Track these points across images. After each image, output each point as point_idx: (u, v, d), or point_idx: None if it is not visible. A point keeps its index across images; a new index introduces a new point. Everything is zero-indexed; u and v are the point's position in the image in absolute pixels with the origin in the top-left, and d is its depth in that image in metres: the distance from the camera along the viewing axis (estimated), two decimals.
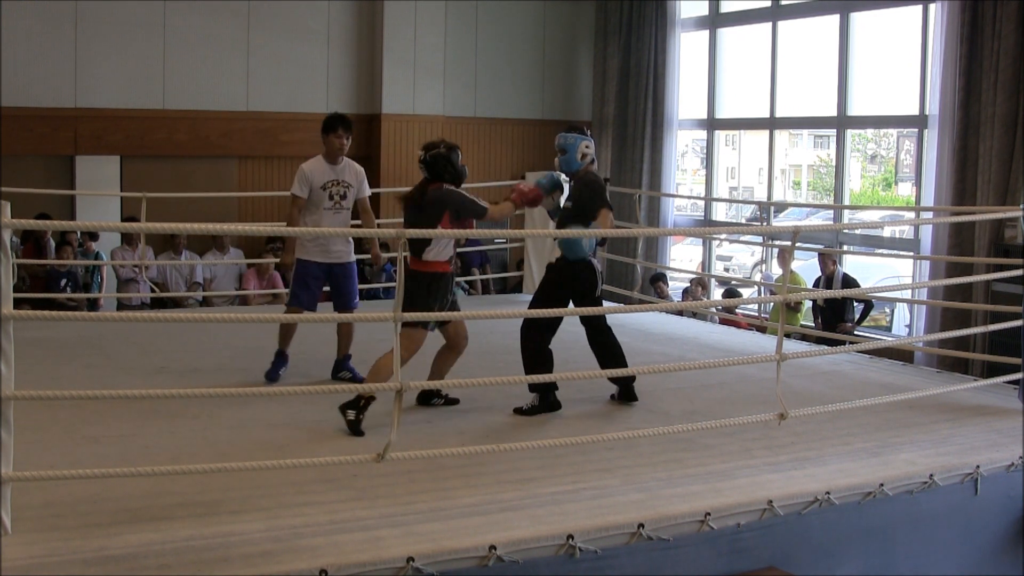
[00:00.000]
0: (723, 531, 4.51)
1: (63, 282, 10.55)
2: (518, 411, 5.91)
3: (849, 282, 10.13)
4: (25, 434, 4.26)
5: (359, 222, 6.87)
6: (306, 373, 6.88)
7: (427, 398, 6.09)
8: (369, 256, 7.44)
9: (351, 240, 6.74)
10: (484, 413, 5.88)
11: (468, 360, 7.24)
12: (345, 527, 4.09)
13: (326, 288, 6.73)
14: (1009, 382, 6.33)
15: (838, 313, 10.09)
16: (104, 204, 11.42)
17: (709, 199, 12.97)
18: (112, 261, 10.98)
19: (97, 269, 10.92)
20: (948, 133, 9.83)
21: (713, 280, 12.36)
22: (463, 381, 5.30)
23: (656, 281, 11.85)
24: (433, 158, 5.84)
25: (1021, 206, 7.52)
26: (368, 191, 6.84)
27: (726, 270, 15.23)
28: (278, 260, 11.55)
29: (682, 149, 13.96)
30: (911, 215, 11.81)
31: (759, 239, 11.95)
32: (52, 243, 11.01)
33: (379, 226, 7.02)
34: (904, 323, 11.66)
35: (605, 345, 6.14)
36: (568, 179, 6.27)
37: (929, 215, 10.54)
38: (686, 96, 13.10)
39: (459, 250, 11.90)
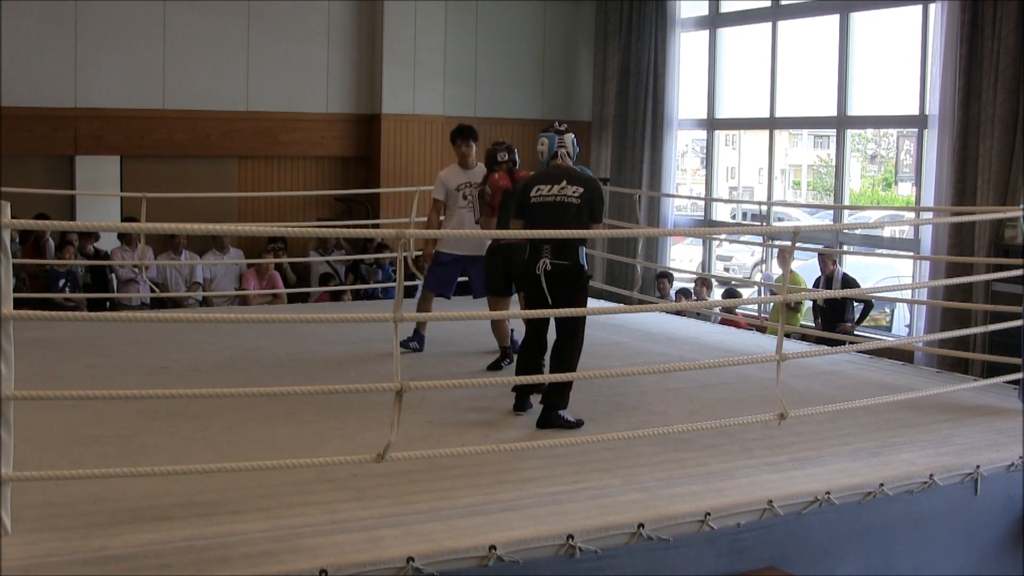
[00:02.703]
0: (723, 531, 4.51)
1: (61, 282, 10.51)
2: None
3: (849, 282, 10.13)
4: (25, 434, 4.26)
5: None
6: (306, 372, 6.89)
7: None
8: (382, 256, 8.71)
9: None
10: (484, 413, 5.88)
11: (468, 360, 7.27)
12: (345, 527, 4.09)
13: (463, 278, 7.69)
14: (1009, 382, 6.33)
15: (838, 313, 10.09)
16: (104, 204, 11.42)
17: (709, 199, 12.97)
18: (112, 261, 10.98)
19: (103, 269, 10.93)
20: (948, 133, 9.83)
21: (713, 280, 12.36)
22: (463, 382, 5.32)
23: (660, 278, 11.86)
24: None
25: (1021, 206, 7.52)
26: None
27: (726, 270, 15.24)
28: (278, 260, 11.64)
29: (682, 149, 13.96)
30: (911, 215, 11.82)
31: (759, 239, 11.96)
32: (52, 243, 11.00)
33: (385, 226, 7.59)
34: (904, 323, 11.66)
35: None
36: None
37: (929, 215, 10.54)
38: (686, 96, 13.10)
39: None
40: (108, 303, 10.76)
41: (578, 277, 5.70)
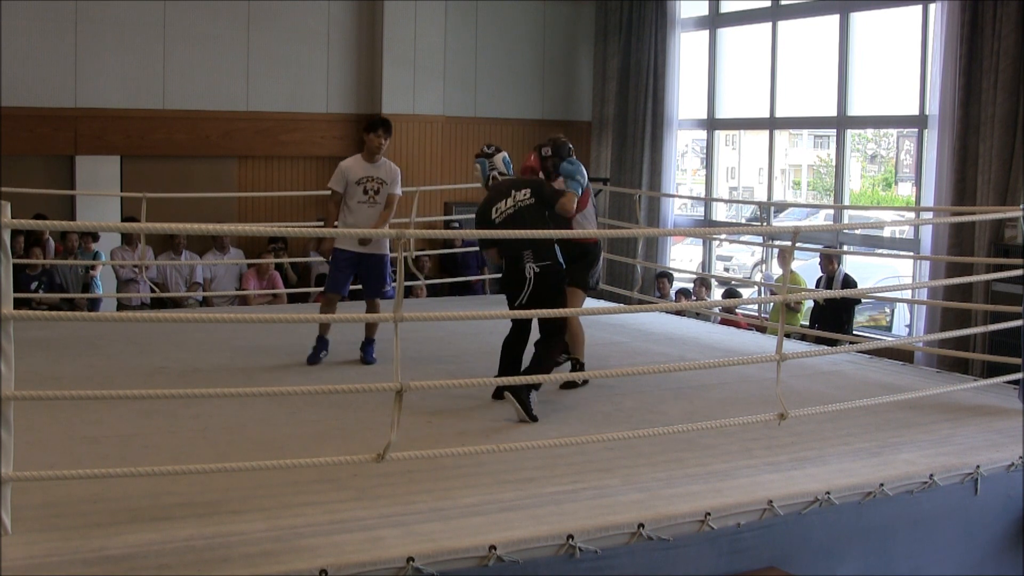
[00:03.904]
0: (723, 531, 4.50)
1: (34, 285, 10.35)
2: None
3: (850, 283, 10.13)
4: (25, 434, 4.26)
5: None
6: (306, 372, 6.89)
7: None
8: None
9: None
10: (484, 413, 5.88)
11: (468, 360, 7.27)
12: (345, 527, 4.09)
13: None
14: (1009, 382, 6.32)
15: (837, 313, 10.08)
16: (104, 204, 11.43)
17: (709, 199, 12.97)
18: (112, 261, 10.98)
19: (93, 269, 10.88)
20: (948, 133, 9.82)
21: (713, 280, 12.36)
22: (463, 381, 5.31)
23: (660, 277, 11.87)
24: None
25: (1021, 206, 7.52)
26: (399, 191, 7.28)
27: (726, 270, 15.23)
28: (279, 260, 11.66)
29: (682, 149, 13.96)
30: (911, 215, 11.82)
31: (759, 239, 11.95)
32: (52, 243, 11.01)
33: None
34: (904, 323, 11.66)
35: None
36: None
37: (929, 215, 10.54)
38: (686, 96, 13.10)
39: (457, 250, 11.96)
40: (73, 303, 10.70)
41: (560, 275, 6.03)
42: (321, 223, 11.36)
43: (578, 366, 6.69)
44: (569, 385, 6.47)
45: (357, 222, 7.01)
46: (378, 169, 7.12)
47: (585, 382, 6.53)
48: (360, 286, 7.29)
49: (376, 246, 7.11)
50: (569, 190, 6.09)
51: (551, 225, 6.03)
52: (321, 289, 11.29)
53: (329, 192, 7.16)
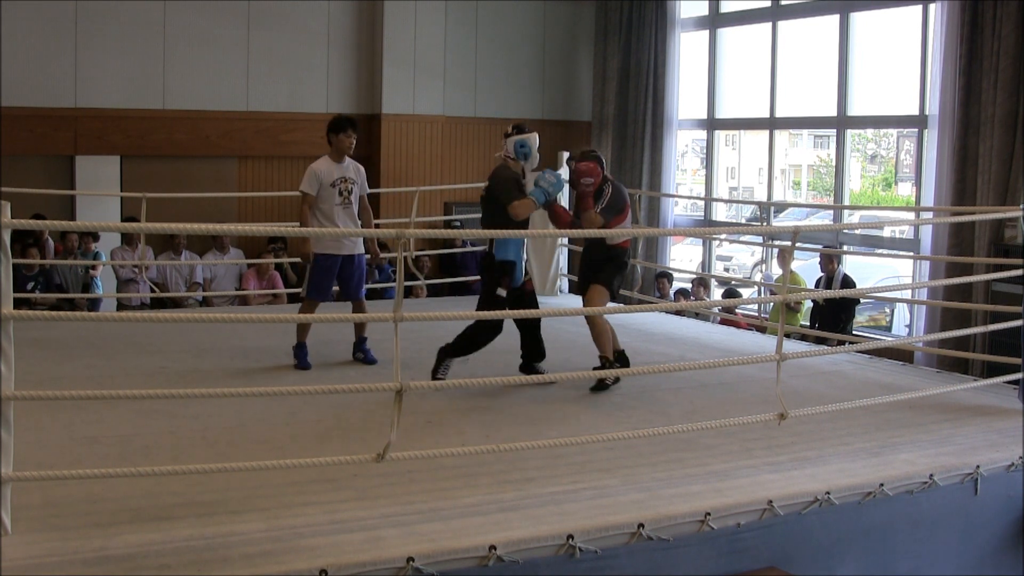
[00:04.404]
0: (723, 531, 4.51)
1: (30, 285, 10.30)
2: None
3: (848, 283, 10.12)
4: (25, 434, 4.26)
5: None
6: (306, 372, 6.88)
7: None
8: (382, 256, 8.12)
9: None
10: (484, 413, 5.88)
11: (468, 360, 7.26)
12: (345, 527, 4.09)
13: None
14: (1009, 382, 6.33)
15: (837, 313, 10.08)
16: (104, 204, 11.42)
17: (709, 199, 12.97)
18: (112, 261, 10.98)
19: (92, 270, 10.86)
20: (948, 133, 9.82)
21: (713, 280, 12.35)
22: (463, 381, 5.31)
23: (660, 277, 11.87)
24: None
25: (1021, 206, 7.51)
26: (367, 189, 7.28)
27: (726, 270, 15.23)
28: (279, 260, 11.66)
29: (682, 149, 13.96)
30: (911, 215, 11.81)
31: (759, 239, 11.95)
32: (51, 242, 11.00)
33: (379, 226, 7.39)
34: (904, 323, 11.66)
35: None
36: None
37: (929, 215, 10.54)
38: (686, 96, 13.09)
39: (457, 251, 11.95)
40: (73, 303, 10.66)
41: (489, 261, 6.38)
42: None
43: (607, 364, 6.55)
44: (600, 387, 6.43)
45: (338, 225, 6.92)
46: (347, 169, 7.05)
47: (616, 380, 6.52)
48: (338, 288, 7.26)
49: (359, 247, 7.12)
50: (529, 197, 6.32)
51: (491, 218, 6.36)
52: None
53: (301, 195, 7.02)
